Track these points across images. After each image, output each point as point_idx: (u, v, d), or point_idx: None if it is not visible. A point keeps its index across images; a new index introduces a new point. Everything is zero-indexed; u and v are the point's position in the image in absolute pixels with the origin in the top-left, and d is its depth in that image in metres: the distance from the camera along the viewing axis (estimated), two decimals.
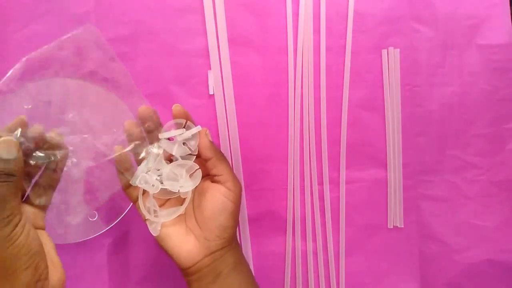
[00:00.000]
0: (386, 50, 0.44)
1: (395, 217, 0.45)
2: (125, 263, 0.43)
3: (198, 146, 0.35)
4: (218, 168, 0.35)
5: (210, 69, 0.44)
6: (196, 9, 0.44)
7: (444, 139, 0.45)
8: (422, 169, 0.45)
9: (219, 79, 0.43)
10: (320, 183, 0.44)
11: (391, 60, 0.44)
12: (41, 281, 0.27)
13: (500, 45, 0.45)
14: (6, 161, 0.27)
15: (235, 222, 0.35)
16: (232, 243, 0.35)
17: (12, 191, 0.27)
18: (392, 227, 0.45)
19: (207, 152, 0.35)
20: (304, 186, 0.44)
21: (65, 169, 0.33)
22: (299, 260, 0.44)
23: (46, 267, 0.28)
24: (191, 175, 0.35)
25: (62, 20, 0.43)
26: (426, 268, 0.45)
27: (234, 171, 0.43)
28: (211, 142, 0.35)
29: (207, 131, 0.35)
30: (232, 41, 0.44)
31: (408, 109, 0.45)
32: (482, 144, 0.45)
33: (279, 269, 0.44)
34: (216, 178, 0.35)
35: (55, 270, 0.29)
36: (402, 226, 0.45)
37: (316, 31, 0.44)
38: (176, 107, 0.35)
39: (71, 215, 0.40)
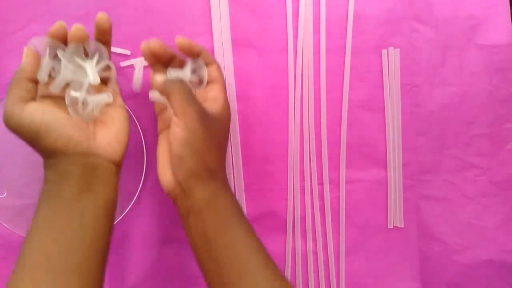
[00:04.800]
0: (386, 50, 0.44)
1: (395, 217, 0.45)
2: (124, 263, 0.43)
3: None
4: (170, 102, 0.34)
5: None
6: (196, 9, 0.44)
7: (444, 139, 0.45)
8: (422, 169, 0.45)
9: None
10: (320, 183, 0.44)
11: (391, 60, 0.44)
12: None
13: (500, 45, 0.45)
14: None
15: (194, 155, 0.33)
16: (205, 180, 0.33)
17: None
18: (392, 227, 0.45)
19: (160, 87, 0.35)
20: (304, 186, 0.44)
21: None
22: (299, 260, 0.44)
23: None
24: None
25: (62, 20, 0.43)
26: (426, 268, 0.45)
27: (235, 171, 0.43)
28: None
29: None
30: (232, 42, 0.44)
31: (408, 109, 0.45)
32: (482, 144, 0.45)
33: (279, 269, 0.44)
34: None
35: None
36: (402, 226, 0.45)
37: (316, 31, 0.44)
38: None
39: None
